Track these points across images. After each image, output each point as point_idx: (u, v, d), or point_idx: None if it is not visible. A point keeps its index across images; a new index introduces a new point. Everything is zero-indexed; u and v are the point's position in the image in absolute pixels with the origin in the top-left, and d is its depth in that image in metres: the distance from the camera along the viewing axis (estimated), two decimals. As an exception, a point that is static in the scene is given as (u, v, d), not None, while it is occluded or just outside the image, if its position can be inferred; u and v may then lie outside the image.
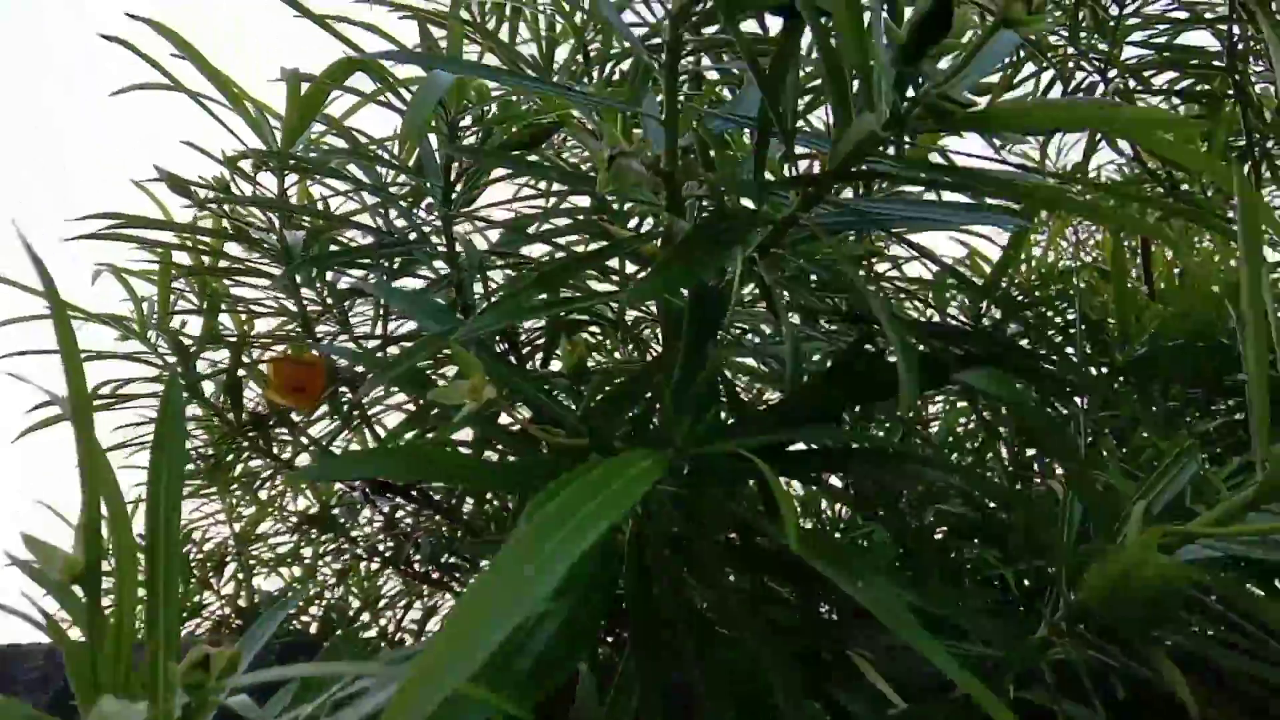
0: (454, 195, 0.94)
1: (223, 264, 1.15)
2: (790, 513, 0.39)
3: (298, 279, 1.08)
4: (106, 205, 1.08)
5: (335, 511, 1.64)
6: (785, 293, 0.54)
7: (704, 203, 0.56)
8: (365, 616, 1.83)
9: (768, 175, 0.58)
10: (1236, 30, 1.50)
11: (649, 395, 0.50)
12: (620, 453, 0.47)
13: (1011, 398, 0.34)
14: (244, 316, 1.22)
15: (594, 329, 0.98)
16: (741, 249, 0.50)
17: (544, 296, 0.47)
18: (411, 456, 0.42)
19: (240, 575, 1.86)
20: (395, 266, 1.01)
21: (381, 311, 1.18)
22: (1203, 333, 1.48)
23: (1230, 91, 1.56)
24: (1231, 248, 1.76)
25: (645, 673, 0.45)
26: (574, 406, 0.53)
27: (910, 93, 0.48)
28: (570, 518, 0.36)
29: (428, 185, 0.94)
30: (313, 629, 1.81)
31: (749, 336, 0.63)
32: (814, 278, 0.54)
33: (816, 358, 0.57)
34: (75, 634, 0.42)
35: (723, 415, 0.54)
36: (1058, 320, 1.69)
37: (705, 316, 0.48)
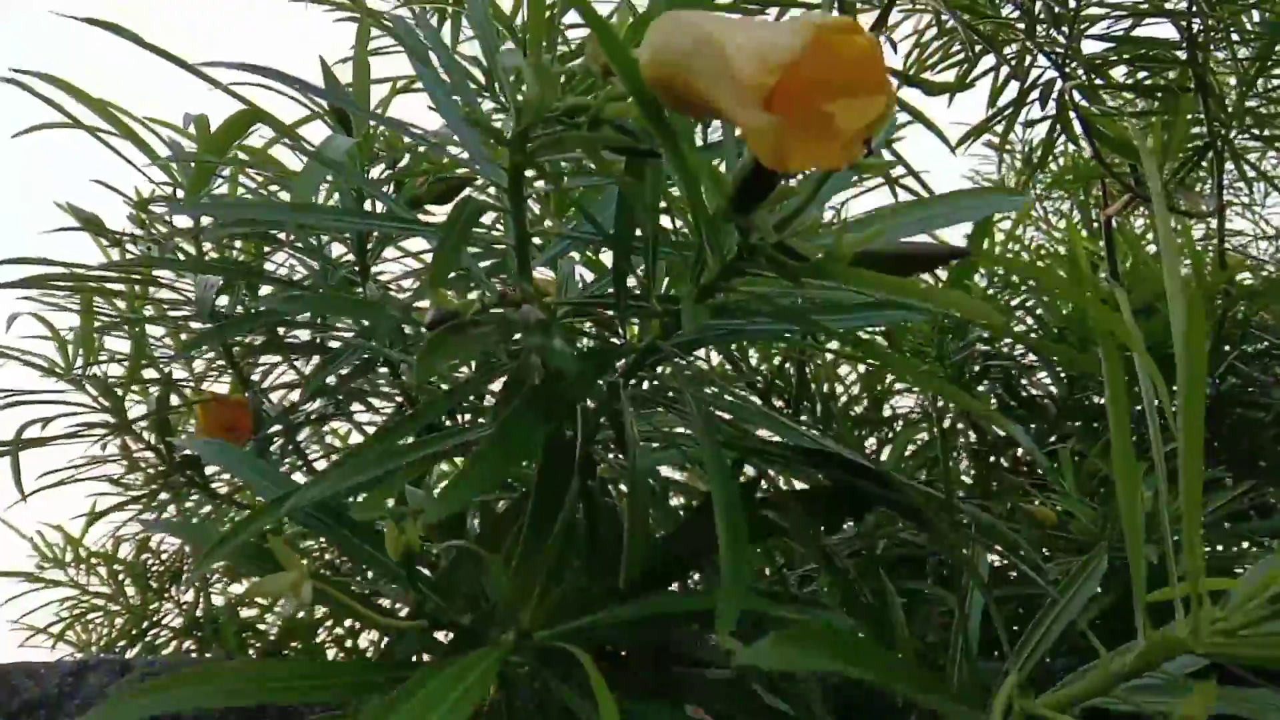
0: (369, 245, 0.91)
1: (150, 306, 1.12)
2: (609, 713, 0.36)
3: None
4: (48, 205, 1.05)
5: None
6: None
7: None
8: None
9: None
10: (1197, 22, 1.45)
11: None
12: (462, 633, 0.45)
13: (833, 665, 0.31)
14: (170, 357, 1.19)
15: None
16: (590, 398, 0.47)
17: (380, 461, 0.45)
18: (236, 679, 0.39)
19: (198, 584, 1.84)
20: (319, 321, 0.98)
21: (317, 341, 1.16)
22: (1162, 332, 1.45)
23: (1191, 84, 1.52)
24: (1193, 235, 1.71)
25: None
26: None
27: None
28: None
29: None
30: (272, 635, 1.80)
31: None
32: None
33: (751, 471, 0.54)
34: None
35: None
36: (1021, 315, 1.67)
37: (555, 479, 0.45)
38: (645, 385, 0.55)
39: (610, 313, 0.53)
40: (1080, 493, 1.08)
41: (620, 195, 0.47)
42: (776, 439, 0.52)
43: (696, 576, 0.63)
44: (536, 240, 0.54)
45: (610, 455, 0.57)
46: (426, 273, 0.89)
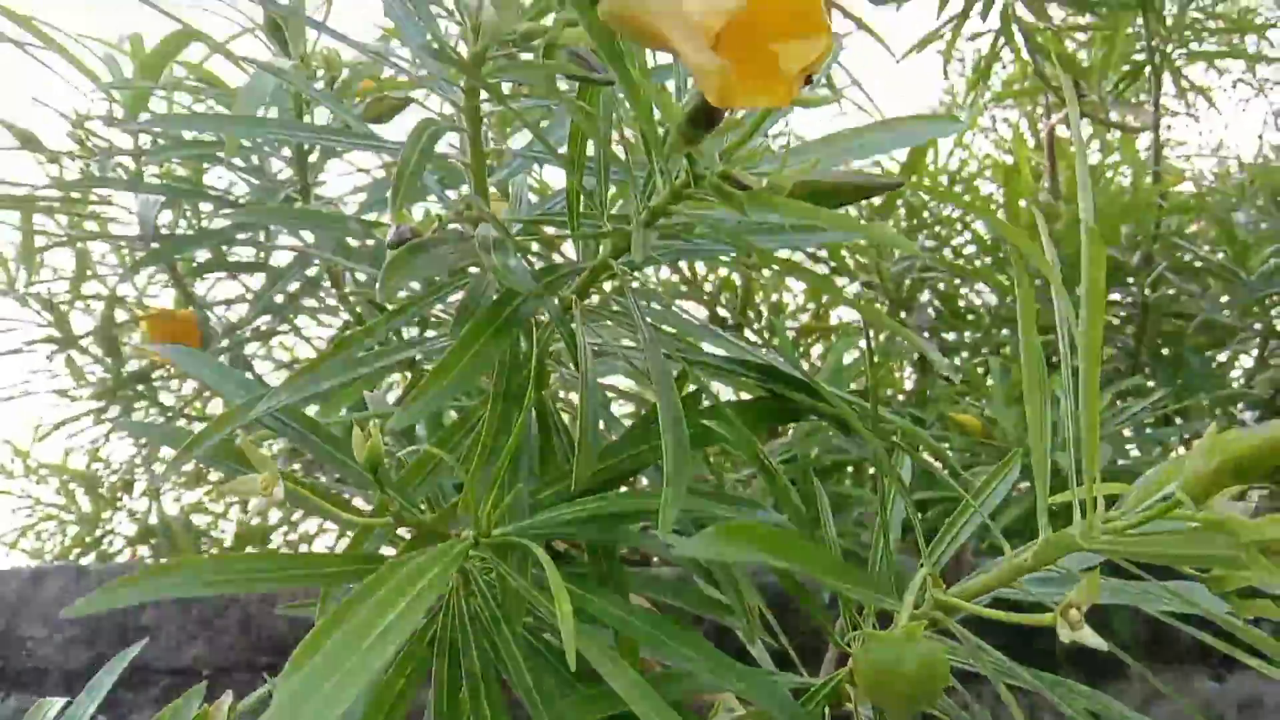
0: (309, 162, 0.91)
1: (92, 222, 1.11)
2: (565, 612, 0.39)
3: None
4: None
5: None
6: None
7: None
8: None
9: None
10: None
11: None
12: (424, 531, 0.48)
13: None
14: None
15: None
16: (538, 319, 0.49)
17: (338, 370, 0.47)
18: (211, 570, 0.42)
19: (149, 492, 1.85)
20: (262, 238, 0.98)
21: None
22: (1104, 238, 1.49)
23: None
24: (1135, 151, 1.76)
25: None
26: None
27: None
28: (349, 648, 0.36)
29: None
30: (227, 542, 1.82)
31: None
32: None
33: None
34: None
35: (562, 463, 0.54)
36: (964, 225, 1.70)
37: (510, 389, 0.48)
38: (596, 300, 0.57)
39: (560, 231, 0.55)
40: (1007, 400, 1.13)
41: (572, 145, 0.49)
42: (719, 352, 0.55)
43: (645, 481, 0.67)
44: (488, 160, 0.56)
45: (562, 368, 0.60)
46: (379, 190, 0.90)
